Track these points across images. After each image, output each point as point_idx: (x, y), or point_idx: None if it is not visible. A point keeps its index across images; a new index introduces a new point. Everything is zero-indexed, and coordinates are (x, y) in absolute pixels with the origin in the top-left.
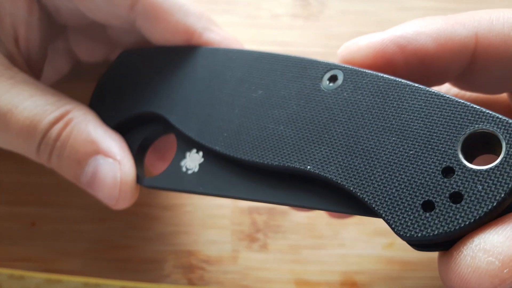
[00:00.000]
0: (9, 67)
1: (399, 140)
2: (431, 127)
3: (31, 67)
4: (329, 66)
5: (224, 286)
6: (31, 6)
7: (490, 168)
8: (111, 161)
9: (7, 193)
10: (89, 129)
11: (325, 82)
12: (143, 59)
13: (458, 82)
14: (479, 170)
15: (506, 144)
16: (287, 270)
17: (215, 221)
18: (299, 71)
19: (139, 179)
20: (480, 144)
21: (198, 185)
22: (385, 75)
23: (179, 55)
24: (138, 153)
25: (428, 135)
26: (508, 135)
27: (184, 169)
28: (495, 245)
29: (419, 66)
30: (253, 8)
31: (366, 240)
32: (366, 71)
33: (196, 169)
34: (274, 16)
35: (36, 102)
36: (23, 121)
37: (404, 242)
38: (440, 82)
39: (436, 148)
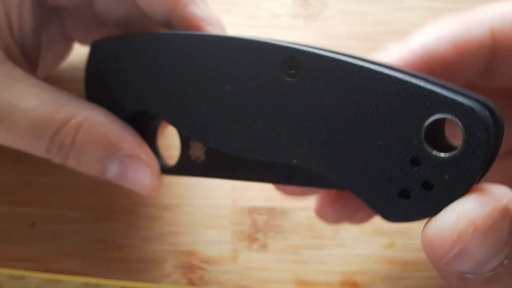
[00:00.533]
0: (4, 62)
1: (365, 131)
2: (393, 116)
3: (27, 56)
4: (286, 51)
5: (224, 286)
6: None
7: (453, 156)
8: (137, 160)
9: (7, 193)
10: (105, 130)
11: (286, 71)
12: (117, 50)
13: (483, 79)
14: (444, 158)
15: (466, 131)
16: (287, 270)
17: (215, 221)
18: (260, 59)
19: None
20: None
21: (208, 171)
22: (342, 58)
23: (151, 44)
24: (151, 142)
25: (391, 124)
26: (467, 121)
27: (193, 158)
28: (460, 210)
29: (441, 71)
30: (253, 8)
31: (366, 240)
32: (324, 54)
33: (203, 158)
34: (274, 16)
35: (35, 102)
36: (26, 122)
37: (405, 242)
38: (463, 81)
39: (401, 138)
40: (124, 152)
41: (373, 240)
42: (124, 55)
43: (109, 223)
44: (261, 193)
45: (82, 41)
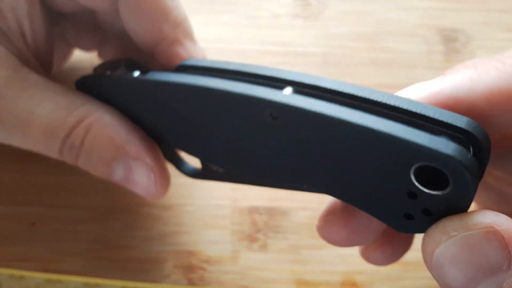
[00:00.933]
0: (19, 69)
1: (359, 168)
2: (381, 161)
3: (41, 61)
4: (264, 104)
5: (224, 286)
6: None
7: (444, 194)
8: (142, 164)
9: (7, 193)
10: (112, 134)
11: (269, 117)
12: (103, 91)
13: None
14: (436, 194)
15: (450, 176)
16: (287, 270)
17: (215, 221)
18: (245, 110)
19: (180, 164)
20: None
21: (229, 178)
22: (317, 110)
23: (139, 89)
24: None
25: (382, 167)
26: (449, 169)
27: (214, 168)
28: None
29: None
30: (253, 8)
31: None
32: (300, 107)
33: (222, 170)
34: (274, 16)
35: (49, 107)
36: (41, 127)
37: None
38: (498, 132)
39: (394, 177)
40: (129, 155)
41: None
42: (115, 95)
43: (110, 223)
44: (261, 193)
45: (82, 48)
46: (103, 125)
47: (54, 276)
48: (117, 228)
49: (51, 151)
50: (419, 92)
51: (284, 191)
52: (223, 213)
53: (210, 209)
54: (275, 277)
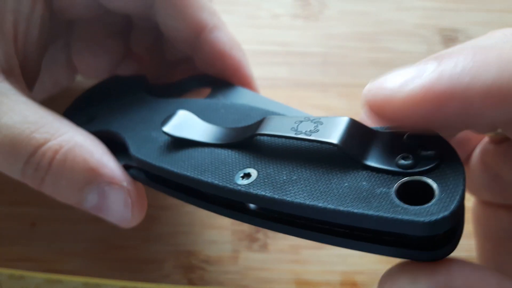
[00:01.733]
0: None
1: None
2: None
3: (26, 69)
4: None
5: (224, 286)
6: (35, 1)
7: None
8: (118, 188)
9: (7, 193)
10: (85, 155)
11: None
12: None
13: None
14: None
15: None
16: (287, 270)
17: (215, 221)
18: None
19: None
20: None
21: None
22: (287, 200)
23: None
24: None
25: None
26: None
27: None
28: None
29: (461, 119)
30: (253, 8)
31: None
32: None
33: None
34: (274, 16)
35: (15, 119)
36: (4, 139)
37: None
38: (484, 131)
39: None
40: (104, 179)
41: None
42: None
43: (109, 223)
44: None
45: (86, 71)
46: (75, 145)
47: (54, 276)
48: (117, 228)
49: (13, 170)
50: (411, 85)
51: None
52: None
53: None
54: (275, 277)
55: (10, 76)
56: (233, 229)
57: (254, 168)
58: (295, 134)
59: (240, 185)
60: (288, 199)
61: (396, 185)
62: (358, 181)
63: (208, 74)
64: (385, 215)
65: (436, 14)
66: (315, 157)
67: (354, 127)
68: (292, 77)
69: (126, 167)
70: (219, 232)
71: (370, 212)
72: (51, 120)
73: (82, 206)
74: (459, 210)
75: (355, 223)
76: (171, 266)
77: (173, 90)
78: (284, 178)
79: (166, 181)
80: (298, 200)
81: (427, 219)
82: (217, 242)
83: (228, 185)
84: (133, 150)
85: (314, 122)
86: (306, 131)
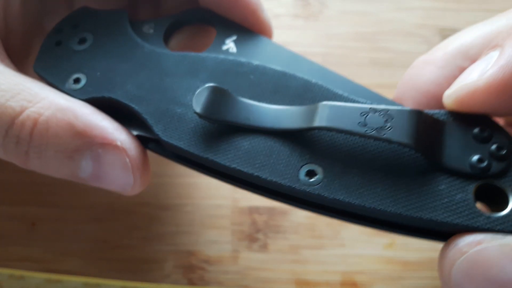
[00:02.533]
0: None
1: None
2: None
3: (9, 43)
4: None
5: (224, 286)
6: None
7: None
8: (113, 148)
9: (7, 193)
10: (69, 119)
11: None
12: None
13: None
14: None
15: None
16: (287, 270)
17: (215, 221)
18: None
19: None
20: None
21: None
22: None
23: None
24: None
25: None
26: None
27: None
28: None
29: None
30: None
31: (366, 240)
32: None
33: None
34: (274, 16)
35: None
36: None
37: (405, 242)
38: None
39: None
40: (95, 141)
41: (373, 240)
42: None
43: (109, 223)
44: None
45: None
46: (57, 110)
47: (54, 276)
48: (117, 228)
49: None
50: (490, 71)
51: None
52: (223, 213)
53: (210, 209)
54: (275, 277)
55: None
56: (233, 229)
57: (316, 164)
58: (365, 131)
59: (308, 185)
60: (368, 205)
61: (473, 190)
62: (436, 185)
63: (209, 9)
64: (473, 225)
65: (436, 14)
66: (385, 156)
67: (424, 120)
68: None
69: (141, 139)
70: (219, 232)
71: (457, 221)
72: (28, 86)
73: (78, 177)
74: None
75: (437, 228)
76: (171, 266)
77: (162, 28)
78: (356, 179)
79: (200, 164)
80: (380, 207)
81: (508, 227)
82: (217, 242)
83: (295, 185)
84: (161, 132)
85: (382, 115)
86: (376, 127)
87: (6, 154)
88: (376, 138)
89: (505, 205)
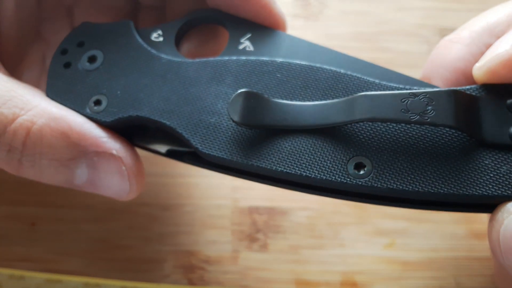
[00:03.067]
0: None
1: None
2: None
3: (3, 49)
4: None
5: (224, 286)
6: None
7: None
8: (108, 157)
9: (7, 193)
10: (63, 127)
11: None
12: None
13: None
14: None
15: None
16: (287, 270)
17: (215, 221)
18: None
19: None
20: None
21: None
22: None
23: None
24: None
25: None
26: None
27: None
28: None
29: None
30: None
31: (366, 240)
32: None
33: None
34: None
35: None
36: None
37: (405, 242)
38: None
39: None
40: (91, 149)
41: (373, 240)
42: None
43: (109, 223)
44: (261, 193)
45: None
46: (50, 118)
47: (54, 276)
48: (117, 228)
49: None
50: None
51: (284, 190)
52: (223, 213)
53: (210, 209)
54: (275, 277)
55: None
56: (233, 229)
57: (363, 155)
58: (410, 118)
59: (360, 178)
60: (422, 189)
61: None
62: (481, 160)
63: (217, 9)
64: None
65: (436, 14)
66: (428, 138)
67: (462, 99)
68: None
69: (173, 153)
70: (219, 232)
71: (506, 193)
72: (19, 92)
73: (73, 184)
74: None
75: (488, 201)
76: (171, 266)
77: (171, 34)
78: (405, 166)
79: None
80: (434, 190)
81: None
82: (217, 242)
83: (346, 180)
84: (199, 145)
85: (422, 99)
86: (419, 112)
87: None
88: (421, 123)
89: None
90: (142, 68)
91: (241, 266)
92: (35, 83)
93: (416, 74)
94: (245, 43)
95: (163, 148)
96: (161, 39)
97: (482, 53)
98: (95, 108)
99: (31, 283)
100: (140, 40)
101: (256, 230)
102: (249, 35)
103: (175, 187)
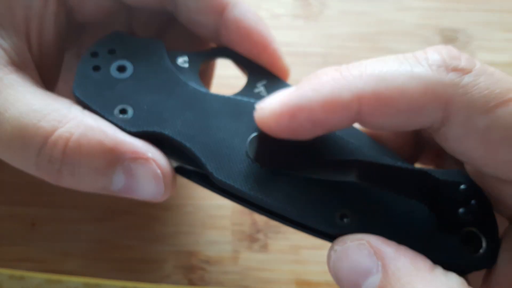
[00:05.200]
0: (2, 66)
1: None
2: None
3: (44, 69)
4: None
5: (225, 286)
6: None
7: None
8: (144, 162)
9: (8, 194)
10: (100, 136)
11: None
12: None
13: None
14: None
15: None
16: (287, 271)
17: (215, 221)
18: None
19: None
20: None
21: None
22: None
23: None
24: None
25: None
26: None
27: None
28: None
29: (315, 127)
30: (253, 8)
31: None
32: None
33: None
34: (274, 16)
35: (22, 109)
36: (13, 131)
37: None
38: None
39: None
40: (126, 156)
41: None
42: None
43: (110, 223)
44: None
45: (85, 14)
46: (87, 129)
47: (54, 276)
48: (117, 229)
49: (28, 165)
50: (275, 98)
51: None
52: (223, 213)
53: (210, 209)
54: (275, 277)
55: (22, 70)
56: (233, 230)
57: (349, 208)
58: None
59: (342, 227)
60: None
61: (460, 237)
62: (435, 232)
63: (233, 50)
64: (459, 263)
65: (436, 14)
66: (402, 203)
67: (429, 181)
68: (293, 77)
69: (182, 170)
70: (220, 232)
71: (445, 258)
72: (58, 106)
73: (110, 190)
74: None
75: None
76: (171, 267)
77: (196, 64)
78: (379, 224)
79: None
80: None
81: (481, 265)
82: (218, 242)
83: (331, 229)
84: (214, 171)
85: (404, 173)
86: (400, 186)
87: (39, 172)
88: (399, 194)
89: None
90: (169, 90)
91: (241, 266)
92: (69, 94)
93: None
94: (260, 89)
95: (173, 163)
96: (186, 65)
97: (350, 96)
98: (121, 116)
99: (31, 283)
100: (168, 61)
101: (256, 230)
102: (264, 82)
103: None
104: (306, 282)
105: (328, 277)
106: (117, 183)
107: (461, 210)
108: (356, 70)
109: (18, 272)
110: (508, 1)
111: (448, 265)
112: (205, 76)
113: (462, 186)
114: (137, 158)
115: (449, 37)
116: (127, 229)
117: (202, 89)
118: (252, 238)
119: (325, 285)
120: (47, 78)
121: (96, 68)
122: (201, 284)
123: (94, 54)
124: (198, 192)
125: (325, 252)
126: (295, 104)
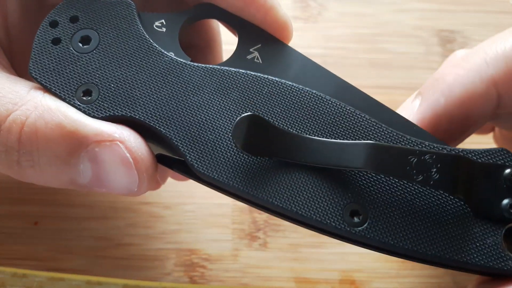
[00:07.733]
0: None
1: None
2: None
3: (14, 52)
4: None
5: (225, 284)
6: None
7: None
8: (110, 144)
9: (10, 192)
10: (58, 118)
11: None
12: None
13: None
14: None
15: None
16: (287, 268)
17: (216, 219)
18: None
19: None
20: None
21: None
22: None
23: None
24: None
25: None
26: None
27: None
28: None
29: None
30: None
31: None
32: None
33: None
34: None
35: None
36: None
37: None
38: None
39: None
40: (89, 140)
41: None
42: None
43: (111, 222)
44: None
45: None
46: (44, 111)
47: (57, 274)
48: (119, 227)
49: None
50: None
51: None
52: (224, 212)
53: (211, 207)
54: (275, 275)
55: None
56: (233, 228)
57: (360, 204)
58: (414, 177)
59: (353, 226)
60: (411, 248)
61: (502, 234)
62: (470, 228)
63: (222, 8)
64: (502, 268)
65: (434, 15)
66: (427, 199)
67: (465, 167)
68: None
69: (162, 158)
70: (220, 230)
71: (488, 264)
72: (16, 89)
73: (79, 184)
74: None
75: (471, 268)
76: (172, 264)
77: (176, 27)
78: (399, 221)
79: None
80: (422, 250)
81: None
82: (218, 240)
83: (339, 226)
84: (195, 162)
85: (428, 159)
86: (423, 172)
87: (1, 167)
88: (424, 185)
89: None
90: (142, 61)
91: (242, 264)
92: None
93: (413, 75)
94: (254, 53)
95: (154, 150)
96: (163, 29)
97: (485, 86)
98: (84, 98)
99: (34, 281)
100: (141, 28)
101: (256, 228)
102: (259, 45)
103: (176, 186)
104: (305, 280)
105: (327, 275)
106: (84, 174)
107: (505, 201)
108: (477, 58)
109: (20, 271)
110: (505, 3)
111: (486, 269)
112: (211, 47)
113: (507, 171)
114: (102, 141)
115: (446, 38)
116: (129, 228)
117: (182, 59)
118: (252, 237)
119: (324, 283)
120: (20, 63)
121: (56, 42)
122: (201, 281)
123: (54, 24)
124: (199, 191)
125: (324, 251)
126: (430, 117)
